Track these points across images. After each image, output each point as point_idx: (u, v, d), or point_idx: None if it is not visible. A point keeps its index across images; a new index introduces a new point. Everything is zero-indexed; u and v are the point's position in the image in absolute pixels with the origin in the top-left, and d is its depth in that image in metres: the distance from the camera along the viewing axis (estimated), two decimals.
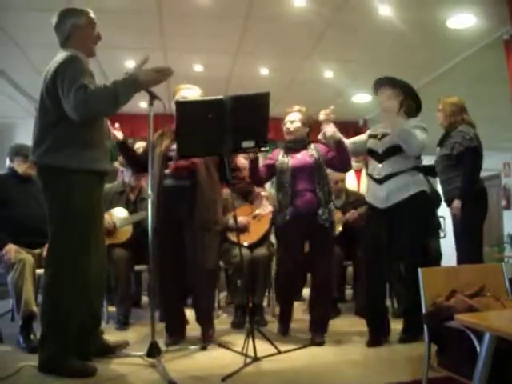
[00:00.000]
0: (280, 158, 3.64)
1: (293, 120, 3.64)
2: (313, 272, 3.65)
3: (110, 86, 2.62)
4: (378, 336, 3.39)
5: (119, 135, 3.38)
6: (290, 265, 3.56)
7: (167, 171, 3.36)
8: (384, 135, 3.44)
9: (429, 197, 3.51)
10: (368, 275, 3.52)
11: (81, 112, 2.59)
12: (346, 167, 3.63)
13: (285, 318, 3.72)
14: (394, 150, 3.36)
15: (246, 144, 3.12)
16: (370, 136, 3.58)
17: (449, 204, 3.96)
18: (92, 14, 2.91)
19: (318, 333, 3.48)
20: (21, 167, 3.71)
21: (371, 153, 3.52)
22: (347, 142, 3.53)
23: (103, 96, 2.60)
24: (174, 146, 3.33)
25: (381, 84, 3.52)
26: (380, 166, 3.41)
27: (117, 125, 3.37)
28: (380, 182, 3.38)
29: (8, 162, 3.78)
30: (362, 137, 3.69)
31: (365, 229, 3.60)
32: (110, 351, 3.03)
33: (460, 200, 3.79)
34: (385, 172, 3.36)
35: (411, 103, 3.48)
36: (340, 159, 3.48)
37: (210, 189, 3.41)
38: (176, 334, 3.43)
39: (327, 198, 3.54)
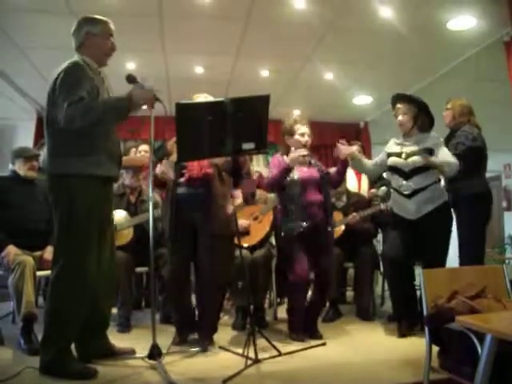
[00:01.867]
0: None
1: (309, 133, 3.73)
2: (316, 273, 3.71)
3: (107, 105, 2.70)
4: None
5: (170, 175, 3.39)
6: (305, 275, 3.56)
7: (181, 180, 3.38)
8: (409, 155, 3.61)
9: (449, 206, 3.78)
10: (400, 277, 3.69)
11: (71, 121, 2.62)
12: (337, 186, 4.06)
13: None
14: (419, 169, 3.57)
15: (246, 146, 3.12)
16: (391, 154, 3.74)
17: (454, 205, 3.95)
18: (111, 26, 2.93)
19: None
20: (22, 170, 3.73)
21: (395, 170, 3.70)
22: (369, 163, 3.82)
23: (88, 115, 2.62)
24: None
25: (397, 100, 3.76)
26: (406, 182, 3.61)
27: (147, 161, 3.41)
28: (409, 197, 3.61)
29: (10, 165, 3.80)
30: (382, 156, 3.84)
31: (393, 236, 3.80)
32: (115, 355, 3.02)
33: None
34: (413, 187, 3.58)
35: (425, 118, 3.69)
36: (337, 180, 3.81)
37: (223, 196, 3.44)
38: (187, 329, 3.45)
39: (331, 209, 3.83)
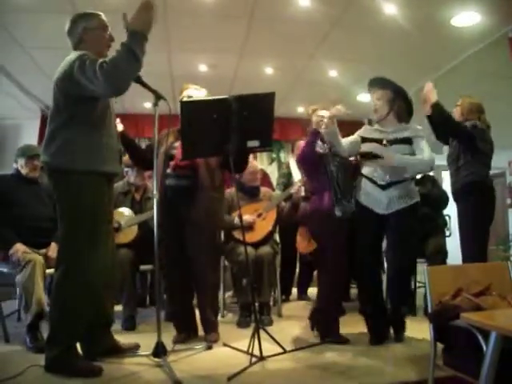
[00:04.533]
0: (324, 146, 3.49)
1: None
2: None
3: (122, 49, 2.57)
4: (380, 333, 3.42)
5: (119, 127, 3.31)
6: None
7: (169, 170, 3.39)
8: (393, 142, 3.42)
9: (418, 207, 3.54)
10: (368, 274, 3.50)
11: (114, 81, 2.56)
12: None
13: None
14: None
15: (251, 144, 3.12)
16: (367, 139, 3.51)
17: (455, 196, 3.94)
18: (104, 17, 2.92)
19: None
20: (24, 169, 3.74)
21: (374, 157, 3.44)
22: (344, 140, 3.48)
23: (123, 59, 2.55)
24: (176, 144, 3.35)
25: (372, 85, 3.55)
26: (383, 172, 3.41)
27: (118, 119, 3.34)
28: (383, 188, 3.39)
29: (14, 163, 3.81)
30: (355, 137, 3.58)
31: (361, 230, 3.52)
32: (120, 352, 3.03)
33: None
34: (388, 179, 3.38)
35: (401, 104, 3.49)
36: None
37: (211, 187, 3.43)
38: (185, 330, 3.45)
39: None
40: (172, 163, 3.38)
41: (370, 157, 3.42)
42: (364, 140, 3.52)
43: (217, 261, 3.69)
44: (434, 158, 3.39)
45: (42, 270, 3.33)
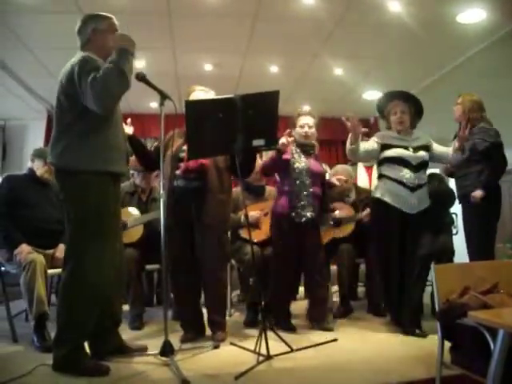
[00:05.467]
0: (296, 156, 3.76)
1: (311, 125, 3.83)
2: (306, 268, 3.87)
3: (109, 65, 2.62)
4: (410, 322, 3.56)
5: (129, 130, 3.38)
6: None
7: (178, 172, 3.39)
8: (417, 148, 3.68)
9: None
10: (395, 269, 3.62)
11: (102, 102, 2.61)
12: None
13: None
14: (425, 164, 3.71)
15: (256, 143, 3.12)
16: (391, 146, 3.70)
17: (462, 200, 3.94)
18: (115, 21, 2.94)
19: None
20: (40, 170, 3.76)
21: (400, 161, 3.66)
22: (361, 148, 3.69)
23: (113, 76, 2.59)
24: (185, 147, 3.35)
25: (394, 96, 3.81)
26: (413, 175, 3.62)
27: (128, 120, 3.38)
28: (412, 190, 3.62)
29: (29, 162, 3.84)
30: (373, 145, 3.77)
31: (386, 228, 3.68)
32: (128, 352, 3.04)
33: (483, 191, 3.89)
34: (417, 182, 3.63)
35: (416, 118, 3.83)
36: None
37: (220, 189, 3.44)
38: (191, 330, 3.45)
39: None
40: (182, 165, 3.39)
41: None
42: (386, 147, 3.73)
43: (225, 261, 3.69)
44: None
45: (42, 270, 3.34)
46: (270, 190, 4.65)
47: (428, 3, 4.23)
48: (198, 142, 3.09)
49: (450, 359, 2.25)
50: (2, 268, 3.59)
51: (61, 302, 2.77)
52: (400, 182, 3.65)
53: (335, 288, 4.59)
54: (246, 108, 3.01)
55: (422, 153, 3.68)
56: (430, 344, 3.04)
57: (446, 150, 3.76)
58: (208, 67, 5.79)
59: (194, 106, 3.10)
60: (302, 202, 3.66)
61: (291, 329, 3.71)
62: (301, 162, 3.74)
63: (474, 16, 4.44)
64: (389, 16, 4.42)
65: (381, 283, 3.77)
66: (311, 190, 3.70)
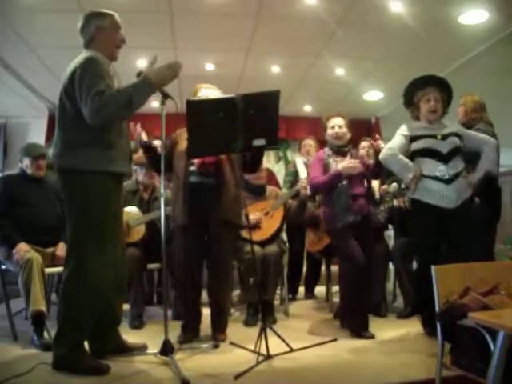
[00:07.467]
0: (330, 160, 3.73)
1: (340, 125, 3.76)
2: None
3: (124, 91, 2.64)
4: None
5: (143, 136, 3.39)
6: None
7: (192, 168, 3.39)
8: (445, 136, 3.42)
9: None
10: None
11: (97, 119, 2.62)
12: (376, 178, 4.15)
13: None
14: (457, 150, 3.41)
15: (257, 142, 3.12)
16: (420, 137, 3.48)
17: None
18: (117, 18, 2.93)
19: None
20: (29, 169, 3.74)
21: (429, 153, 3.43)
22: (399, 154, 3.50)
23: (117, 102, 2.61)
24: None
25: (431, 83, 3.53)
26: (443, 166, 3.37)
27: (138, 125, 3.38)
28: (448, 182, 3.35)
29: (19, 163, 3.81)
30: (402, 140, 3.55)
31: (421, 228, 3.51)
32: (128, 351, 3.04)
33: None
34: (452, 172, 3.36)
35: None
36: (375, 171, 3.79)
37: (234, 185, 3.45)
38: (191, 330, 3.45)
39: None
40: (197, 161, 3.38)
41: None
42: (414, 139, 3.50)
43: (234, 259, 3.71)
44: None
45: (39, 268, 3.32)
46: (271, 189, 4.65)
47: (430, 4, 4.24)
48: (199, 141, 3.09)
49: (450, 360, 2.25)
50: (3, 266, 3.59)
51: (61, 301, 2.77)
52: (432, 177, 3.39)
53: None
54: (246, 107, 3.01)
55: (452, 138, 3.41)
56: (430, 345, 3.04)
57: (481, 138, 3.49)
58: (209, 67, 5.80)
59: (195, 105, 3.10)
60: (343, 207, 3.58)
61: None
62: (335, 164, 3.67)
63: (476, 17, 4.44)
64: (391, 16, 4.42)
65: (413, 287, 3.73)
66: (352, 191, 3.61)
